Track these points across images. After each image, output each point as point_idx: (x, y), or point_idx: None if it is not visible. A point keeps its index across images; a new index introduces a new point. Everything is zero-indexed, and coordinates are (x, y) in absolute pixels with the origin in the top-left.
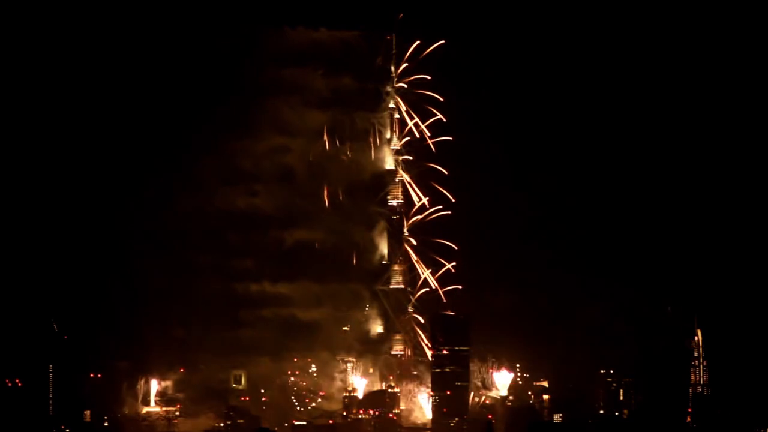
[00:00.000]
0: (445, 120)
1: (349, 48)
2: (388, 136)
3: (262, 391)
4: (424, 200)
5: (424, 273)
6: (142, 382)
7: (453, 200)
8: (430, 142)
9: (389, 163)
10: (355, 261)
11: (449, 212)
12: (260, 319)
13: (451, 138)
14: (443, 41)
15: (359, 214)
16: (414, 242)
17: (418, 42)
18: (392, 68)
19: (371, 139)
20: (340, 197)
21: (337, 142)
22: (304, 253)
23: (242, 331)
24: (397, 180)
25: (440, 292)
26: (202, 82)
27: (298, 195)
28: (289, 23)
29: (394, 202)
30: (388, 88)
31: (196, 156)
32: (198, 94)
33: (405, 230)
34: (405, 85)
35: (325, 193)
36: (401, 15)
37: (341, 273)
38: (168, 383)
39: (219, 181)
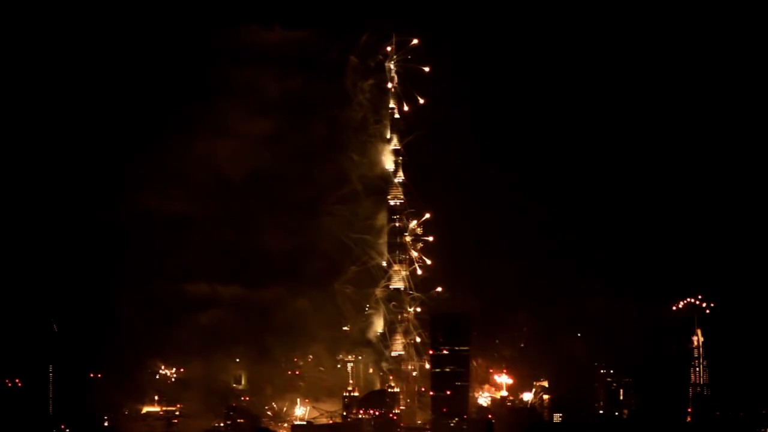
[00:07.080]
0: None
1: (305, 48)
2: (387, 136)
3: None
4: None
5: (420, 272)
6: (142, 382)
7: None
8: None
9: (389, 164)
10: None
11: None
12: (256, 318)
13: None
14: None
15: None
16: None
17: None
18: (391, 67)
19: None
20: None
21: (287, 147)
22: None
23: (237, 331)
24: (396, 180)
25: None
26: (144, 82)
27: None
28: (243, 21)
29: (394, 202)
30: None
31: (132, 158)
32: (137, 94)
33: (406, 231)
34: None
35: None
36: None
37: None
38: (168, 383)
39: (151, 183)
